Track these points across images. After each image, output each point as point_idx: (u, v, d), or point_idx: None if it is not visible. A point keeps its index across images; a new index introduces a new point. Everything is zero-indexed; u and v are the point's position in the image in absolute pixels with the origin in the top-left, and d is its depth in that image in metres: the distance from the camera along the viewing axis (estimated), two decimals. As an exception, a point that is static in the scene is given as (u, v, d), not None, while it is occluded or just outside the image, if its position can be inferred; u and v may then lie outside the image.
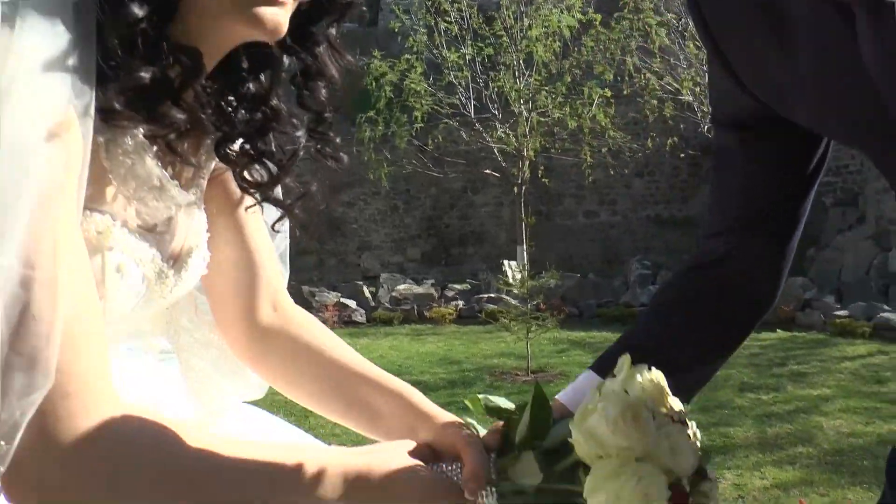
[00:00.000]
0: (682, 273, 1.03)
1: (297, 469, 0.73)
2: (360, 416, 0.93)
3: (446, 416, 0.89)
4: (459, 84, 11.71)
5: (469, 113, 11.74)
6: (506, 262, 11.17)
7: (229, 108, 0.84)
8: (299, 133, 0.89)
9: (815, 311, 8.49)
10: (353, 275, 13.43)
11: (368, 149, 11.86)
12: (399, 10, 12.23)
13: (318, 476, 0.74)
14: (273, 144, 0.87)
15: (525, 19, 11.44)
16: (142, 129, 0.74)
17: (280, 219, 0.94)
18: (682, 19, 10.84)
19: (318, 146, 0.90)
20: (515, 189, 11.71)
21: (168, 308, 0.95)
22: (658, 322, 0.99)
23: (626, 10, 11.10)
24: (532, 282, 8.05)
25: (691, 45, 10.57)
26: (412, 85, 11.48)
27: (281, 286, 0.99)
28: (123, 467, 0.65)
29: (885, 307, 8.17)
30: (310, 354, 0.95)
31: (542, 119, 11.61)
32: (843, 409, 4.92)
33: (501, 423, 0.85)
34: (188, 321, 0.98)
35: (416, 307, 10.42)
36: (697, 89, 11.02)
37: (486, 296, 10.50)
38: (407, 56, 11.66)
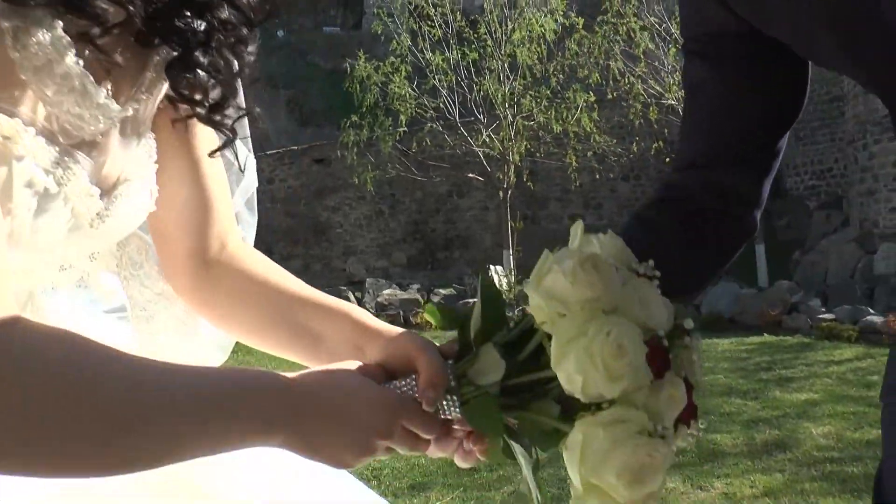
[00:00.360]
0: (651, 205, 0.97)
1: (229, 398, 0.65)
2: (304, 343, 0.85)
3: (396, 331, 0.80)
4: (443, 88, 11.68)
5: (453, 117, 11.71)
6: (492, 267, 11.14)
7: (177, 21, 0.75)
8: (250, 49, 0.81)
9: (801, 315, 8.49)
10: (339, 280, 13.33)
11: (352, 153, 11.81)
12: (383, 13, 12.19)
13: (252, 405, 0.65)
14: (218, 60, 0.79)
15: (509, 23, 11.43)
16: (61, 24, 0.66)
17: (222, 147, 0.87)
18: (664, 24, 10.85)
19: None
20: (501, 193, 11.68)
21: (119, 253, 0.88)
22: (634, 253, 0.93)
23: (608, 15, 11.11)
24: (520, 286, 8.01)
25: (674, 49, 10.58)
26: (396, 89, 11.45)
27: (232, 224, 0.92)
28: (29, 389, 0.56)
29: (870, 310, 8.18)
30: (254, 286, 0.88)
31: (526, 123, 11.59)
32: (831, 414, 4.89)
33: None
34: (139, 269, 0.90)
35: (401, 312, 10.35)
36: (682, 93, 10.98)
37: (472, 300, 10.44)
38: (392, 59, 11.63)
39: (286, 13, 20.67)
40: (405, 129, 11.70)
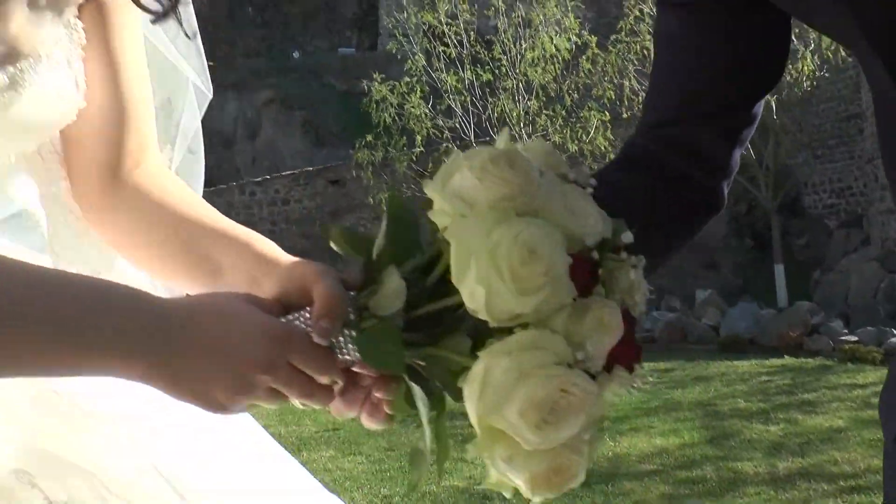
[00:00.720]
0: (611, 166, 0.90)
1: (81, 314, 0.56)
2: (201, 273, 0.76)
3: (295, 260, 0.71)
4: (458, 108, 11.68)
5: (469, 137, 11.69)
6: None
7: None
8: None
9: (823, 337, 8.32)
10: (353, 301, 13.26)
11: (367, 172, 11.82)
12: (398, 33, 12.23)
13: (108, 324, 0.56)
14: None
15: (523, 42, 11.44)
16: None
17: (163, 14, 0.78)
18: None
19: None
20: (516, 213, 11.62)
21: (37, 164, 0.80)
22: None
23: (622, 34, 11.08)
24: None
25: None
26: (412, 109, 11.47)
27: (150, 144, 0.83)
28: None
29: (895, 332, 8.00)
30: (157, 209, 0.80)
31: (541, 143, 11.56)
32: (858, 441, 4.74)
33: None
34: (55, 185, 0.82)
35: (415, 334, 10.27)
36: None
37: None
38: (407, 79, 11.67)
39: (301, 35, 20.83)
40: (421, 149, 11.70)
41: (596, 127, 11.27)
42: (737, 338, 8.76)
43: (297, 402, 0.62)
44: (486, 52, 11.61)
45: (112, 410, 0.73)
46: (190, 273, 0.77)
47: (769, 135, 11.46)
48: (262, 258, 0.72)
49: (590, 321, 0.56)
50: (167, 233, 0.78)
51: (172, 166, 0.91)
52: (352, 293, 0.62)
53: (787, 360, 7.80)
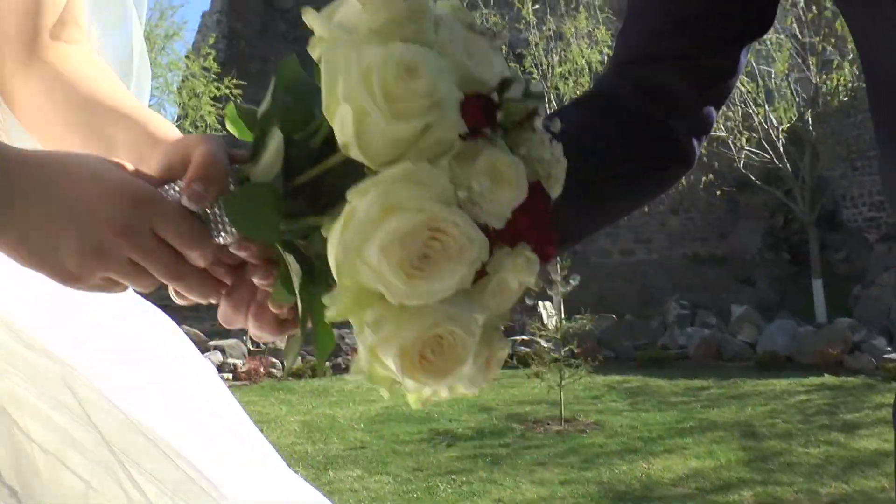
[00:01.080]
0: (577, 102, 0.84)
1: None
2: (96, 150, 0.69)
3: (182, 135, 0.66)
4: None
5: (498, 151, 11.68)
6: (540, 302, 10.91)
7: None
8: None
9: (865, 354, 8.08)
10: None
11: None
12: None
13: None
14: None
15: (554, 55, 11.39)
16: None
17: None
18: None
19: None
20: (547, 228, 11.52)
21: None
22: None
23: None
24: (567, 323, 7.78)
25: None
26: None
27: (69, 18, 0.79)
28: None
29: (940, 349, 7.75)
30: (67, 91, 0.75)
31: (572, 156, 11.50)
32: (905, 466, 4.55)
33: None
34: None
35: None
36: (730, 124, 10.78)
37: (519, 338, 10.20)
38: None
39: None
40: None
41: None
42: (774, 355, 8.55)
43: (172, 293, 0.56)
44: (517, 65, 11.59)
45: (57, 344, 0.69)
46: (83, 150, 0.71)
47: (805, 146, 11.24)
48: (153, 136, 0.65)
49: (481, 165, 0.47)
50: (73, 112, 0.73)
51: (132, 85, 0.87)
52: (236, 166, 0.55)
53: (827, 378, 7.57)
